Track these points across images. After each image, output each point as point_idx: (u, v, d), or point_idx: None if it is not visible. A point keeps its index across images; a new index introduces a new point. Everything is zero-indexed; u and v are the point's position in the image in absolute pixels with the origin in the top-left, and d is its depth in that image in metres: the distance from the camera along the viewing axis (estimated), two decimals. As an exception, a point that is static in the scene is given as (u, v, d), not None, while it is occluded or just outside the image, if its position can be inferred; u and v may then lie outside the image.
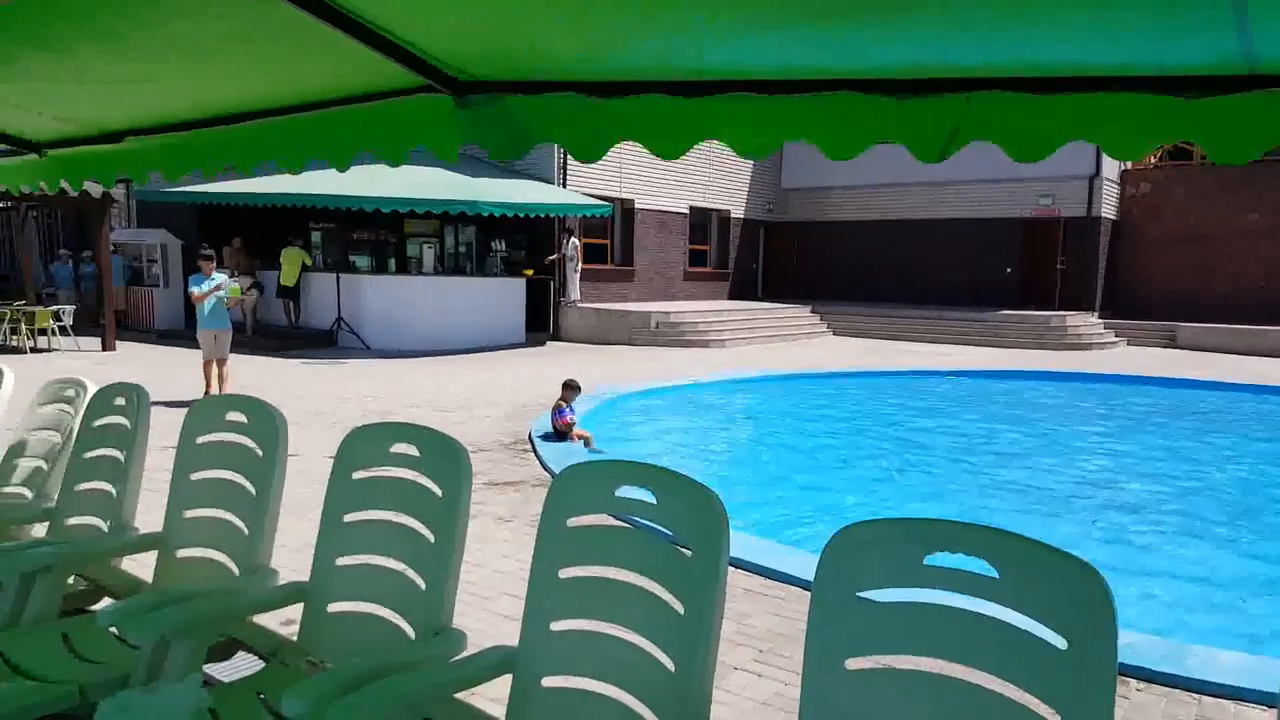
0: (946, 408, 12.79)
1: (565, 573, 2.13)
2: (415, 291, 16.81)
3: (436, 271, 17.58)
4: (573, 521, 2.15)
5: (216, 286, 9.78)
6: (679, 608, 1.91)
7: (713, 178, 23.37)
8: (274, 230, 18.21)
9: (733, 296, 24.92)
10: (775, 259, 26.55)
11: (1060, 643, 1.52)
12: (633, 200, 21.21)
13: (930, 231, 23.84)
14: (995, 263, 23.11)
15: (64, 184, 3.61)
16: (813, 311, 22.80)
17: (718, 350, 18.00)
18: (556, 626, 2.11)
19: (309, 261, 16.99)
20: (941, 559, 1.68)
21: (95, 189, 13.17)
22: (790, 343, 20.20)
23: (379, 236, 17.60)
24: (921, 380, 14.93)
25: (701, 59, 2.01)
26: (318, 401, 10.52)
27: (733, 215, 24.82)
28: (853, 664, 1.72)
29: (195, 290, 9.84)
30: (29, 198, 14.62)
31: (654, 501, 2.03)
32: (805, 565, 4.90)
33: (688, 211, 23.10)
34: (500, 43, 2.02)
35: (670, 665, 1.89)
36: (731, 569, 4.75)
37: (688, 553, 1.94)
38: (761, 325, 20.68)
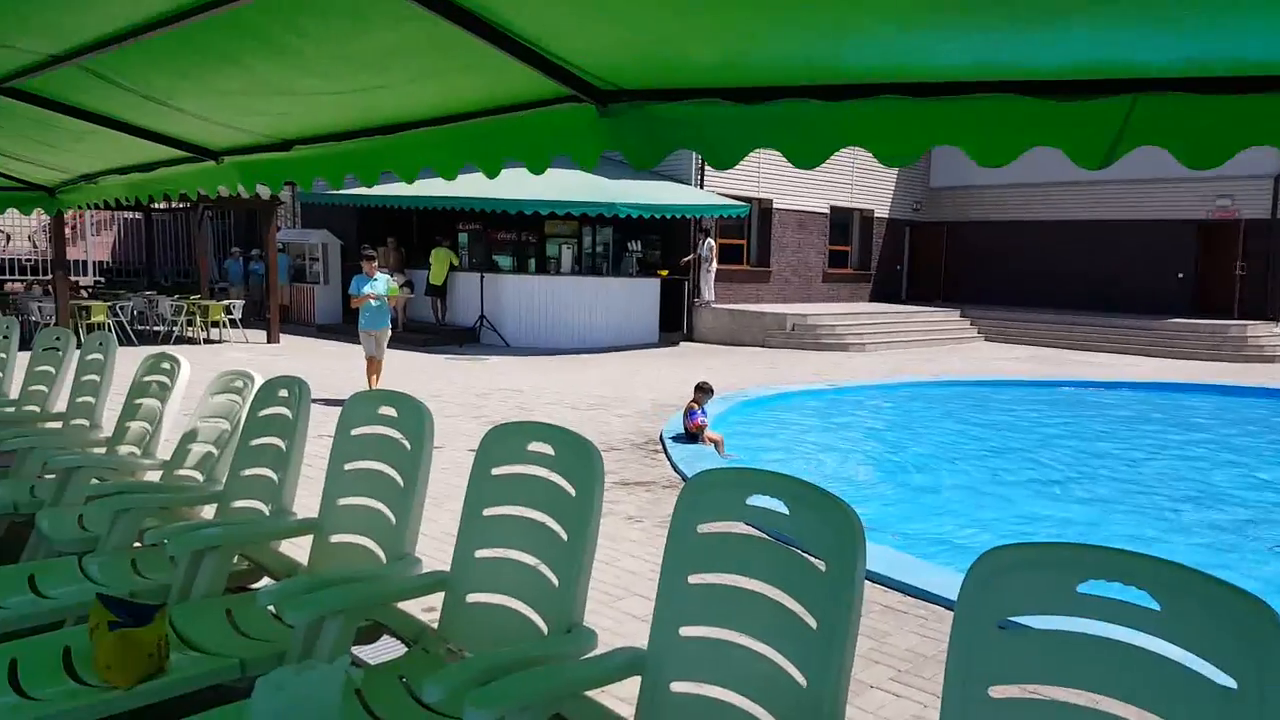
0: (1109, 422, 12.06)
1: (695, 579, 2.14)
2: (553, 291, 17.27)
3: (574, 271, 17.98)
4: (703, 527, 2.16)
5: (370, 295, 10.05)
6: (811, 622, 1.89)
7: (856, 177, 22.87)
8: (424, 231, 19.10)
9: (875, 299, 24.29)
10: (921, 260, 25.71)
11: (1229, 683, 1.43)
12: (771, 200, 21.03)
13: (1092, 233, 22.52)
14: (1165, 267, 21.60)
15: (239, 188, 3.92)
16: (962, 316, 21.94)
17: (858, 354, 17.60)
18: (686, 632, 2.12)
19: (456, 261, 17.72)
20: (1096, 587, 1.60)
21: (264, 191, 14.10)
22: (937, 348, 19.49)
23: (521, 237, 18.16)
24: (1082, 391, 14.13)
25: (845, 61, 1.98)
26: (461, 395, 10.95)
27: (876, 215, 24.20)
28: (997, 691, 1.66)
29: (356, 295, 10.18)
30: (205, 199, 15.87)
31: (786, 512, 2.02)
32: (949, 584, 4.74)
33: (828, 211, 22.69)
34: (643, 52, 2.05)
35: (802, 679, 1.88)
36: (870, 584, 4.66)
37: (821, 565, 1.91)
38: (906, 329, 20.07)
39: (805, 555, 1.96)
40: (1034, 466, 9.31)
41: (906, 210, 25.11)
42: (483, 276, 17.15)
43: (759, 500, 2.08)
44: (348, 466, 3.08)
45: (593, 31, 1.97)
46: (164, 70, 2.65)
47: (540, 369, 13.84)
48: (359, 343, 10.45)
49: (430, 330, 17.37)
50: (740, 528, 2.17)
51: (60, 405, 5.27)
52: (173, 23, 2.12)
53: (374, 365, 10.26)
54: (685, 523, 2.17)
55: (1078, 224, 22.77)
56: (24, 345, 6.11)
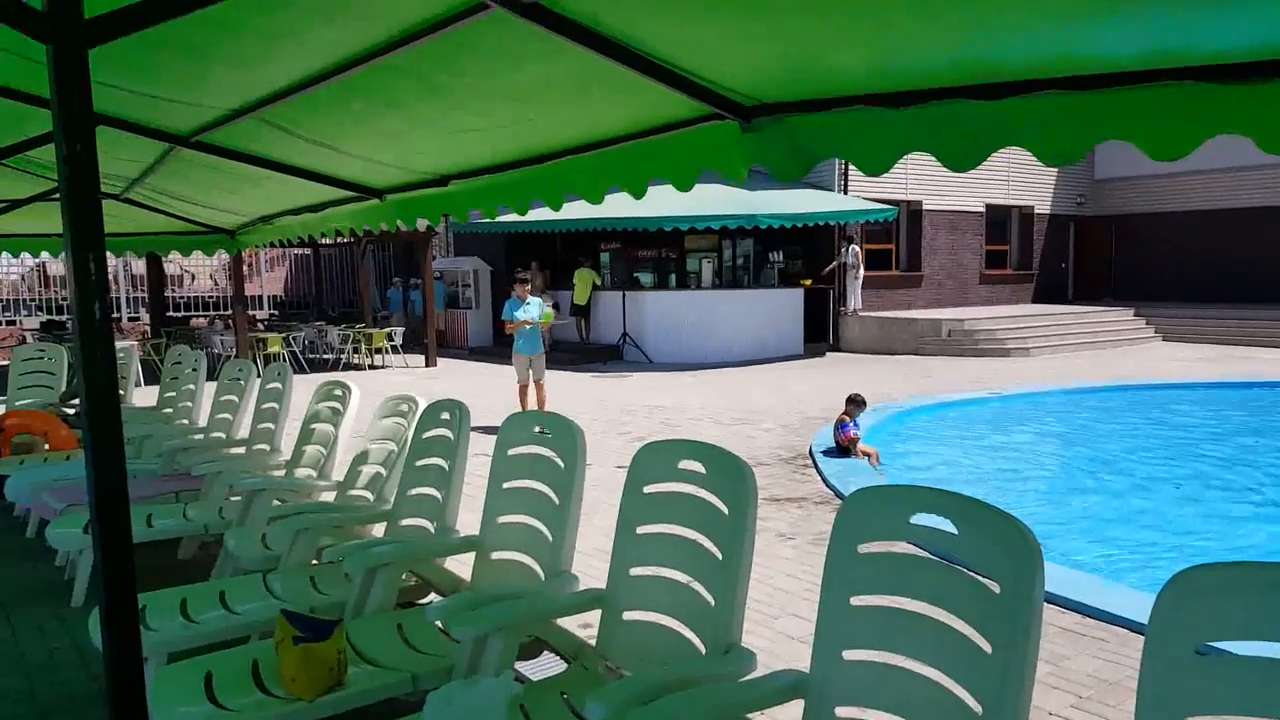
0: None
1: (857, 600, 2.10)
2: (694, 305, 17.32)
3: (715, 285, 18.00)
4: (865, 547, 2.11)
5: (524, 321, 9.67)
6: (985, 646, 1.82)
7: (1012, 172, 21.86)
8: (568, 252, 19.63)
9: (1038, 300, 23.08)
10: (1088, 257, 24.24)
11: None
12: (920, 201, 20.38)
13: (1284, 219, 20.62)
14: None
15: (399, 223, 4.15)
16: (1136, 315, 20.53)
17: (1020, 360, 16.75)
18: (850, 655, 2.08)
19: (599, 281, 18.09)
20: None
21: (422, 223, 14.86)
22: (1109, 350, 18.29)
23: (661, 254, 18.36)
24: (1277, 392, 12.92)
25: (1001, 57, 1.91)
26: (606, 412, 11.14)
27: (1037, 211, 23.03)
28: (1195, 723, 1.55)
29: (509, 320, 9.77)
30: (368, 234, 16.86)
31: (954, 531, 1.95)
32: (1131, 604, 4.45)
33: (984, 210, 21.77)
34: (786, 65, 2.04)
35: (976, 707, 1.80)
36: (1044, 605, 4.41)
37: (995, 588, 1.84)
38: (1073, 332, 18.95)
39: (976, 576, 1.89)
40: (1224, 477, 8.58)
41: (1070, 205, 23.77)
42: (625, 294, 17.42)
43: (924, 519, 2.02)
44: (506, 485, 3.19)
45: (736, 50, 1.98)
46: (333, 117, 2.85)
47: (684, 384, 13.90)
48: (510, 364, 10.36)
49: (575, 349, 17.77)
50: (904, 547, 2.11)
51: (243, 432, 5.70)
52: (340, 73, 2.28)
53: (526, 392, 9.93)
54: (846, 542, 2.13)
55: (1267, 210, 20.91)
56: (209, 376, 6.65)
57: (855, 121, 2.17)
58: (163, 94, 2.93)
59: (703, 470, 2.47)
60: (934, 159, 2.08)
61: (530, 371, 9.93)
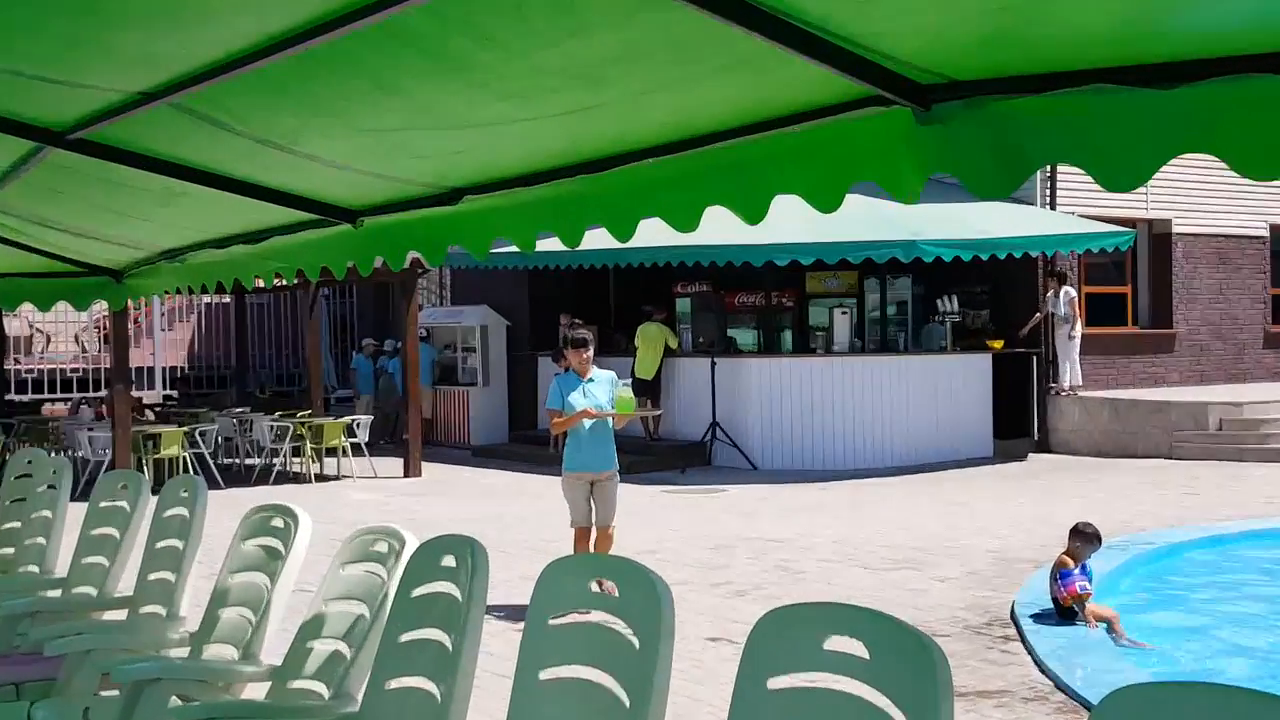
0: None
1: None
2: (822, 380, 17.23)
3: (854, 348, 17.92)
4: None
5: (587, 412, 8.72)
6: None
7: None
8: (625, 298, 19.66)
9: (1361, 373, 22.62)
10: None
11: None
12: (1168, 220, 20.24)
13: None
14: None
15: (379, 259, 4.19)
16: None
17: (1339, 467, 16.33)
18: None
19: (674, 343, 17.95)
20: None
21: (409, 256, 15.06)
22: None
23: (770, 300, 18.38)
24: None
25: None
26: (688, 549, 11.08)
27: (1354, 234, 22.72)
28: None
29: (560, 409, 8.87)
30: (324, 274, 17.18)
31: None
32: None
33: (1267, 233, 21.53)
34: (988, 22, 2.04)
35: None
36: None
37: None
38: None
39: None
40: None
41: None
42: (714, 362, 17.38)
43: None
44: (544, 675, 3.13)
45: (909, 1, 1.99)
46: (291, 104, 2.92)
47: (807, 504, 13.80)
48: (544, 472, 9.99)
49: (638, 447, 17.58)
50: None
51: (126, 586, 5.58)
52: (309, 39, 2.33)
53: (586, 538, 8.96)
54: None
55: None
56: (74, 495, 6.53)
57: (1100, 107, 2.15)
58: (29, 69, 3.01)
59: (865, 654, 2.41)
60: (1189, 161, 2.05)
61: (592, 504, 8.89)
